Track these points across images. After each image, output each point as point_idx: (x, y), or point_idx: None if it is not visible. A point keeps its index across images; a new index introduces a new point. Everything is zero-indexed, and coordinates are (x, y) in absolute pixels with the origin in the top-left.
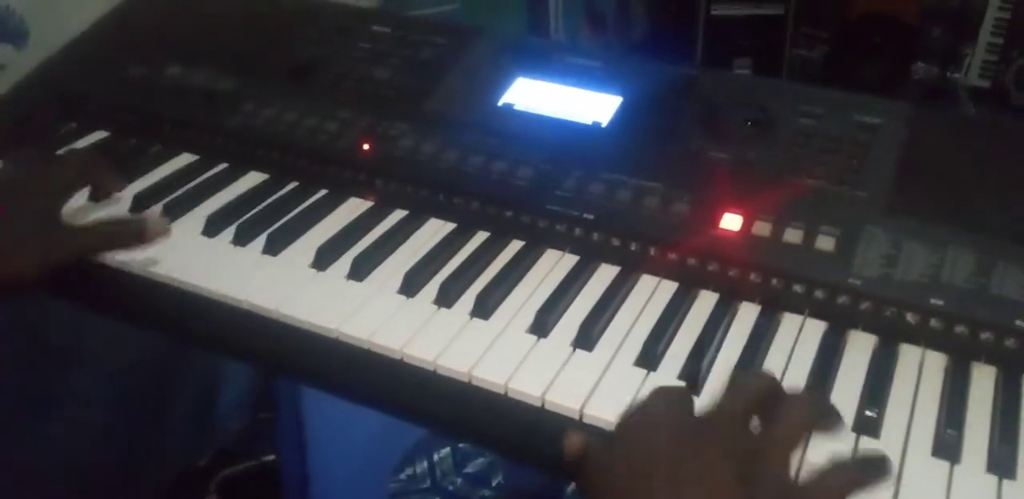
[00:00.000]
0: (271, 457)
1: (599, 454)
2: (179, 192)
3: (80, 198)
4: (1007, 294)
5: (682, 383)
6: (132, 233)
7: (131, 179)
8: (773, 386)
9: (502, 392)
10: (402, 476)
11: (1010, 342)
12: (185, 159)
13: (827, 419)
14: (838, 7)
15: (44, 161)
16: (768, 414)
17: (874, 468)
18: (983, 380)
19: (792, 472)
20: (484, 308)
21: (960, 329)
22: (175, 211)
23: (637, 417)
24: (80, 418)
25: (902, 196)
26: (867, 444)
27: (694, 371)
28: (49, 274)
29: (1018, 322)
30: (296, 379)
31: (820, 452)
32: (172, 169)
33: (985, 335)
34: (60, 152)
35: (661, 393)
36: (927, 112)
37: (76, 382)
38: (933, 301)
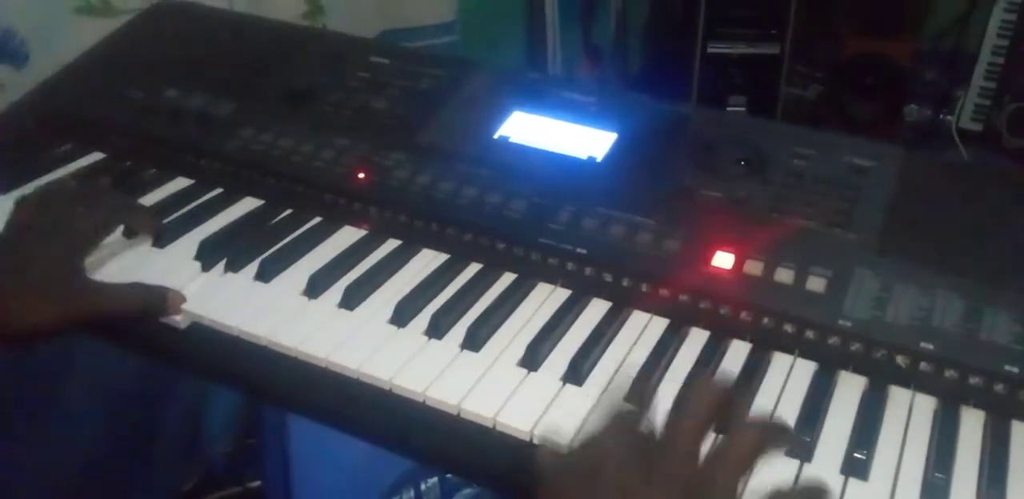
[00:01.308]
0: (256, 483)
1: (553, 481)
2: (173, 216)
3: None
4: (996, 339)
5: None
6: (155, 304)
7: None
8: (723, 401)
9: (490, 425)
10: None
11: (999, 387)
12: (180, 183)
13: (776, 443)
14: (833, 48)
15: (75, 198)
16: (723, 426)
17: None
18: (972, 424)
19: None
20: (475, 340)
21: (950, 373)
22: (168, 235)
23: (589, 447)
24: (65, 442)
25: (892, 239)
26: (856, 487)
27: (685, 408)
28: (62, 330)
29: (1007, 367)
30: (284, 407)
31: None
32: (167, 193)
33: (974, 380)
34: (90, 190)
35: (616, 417)
36: (918, 156)
37: (62, 406)
38: (923, 345)
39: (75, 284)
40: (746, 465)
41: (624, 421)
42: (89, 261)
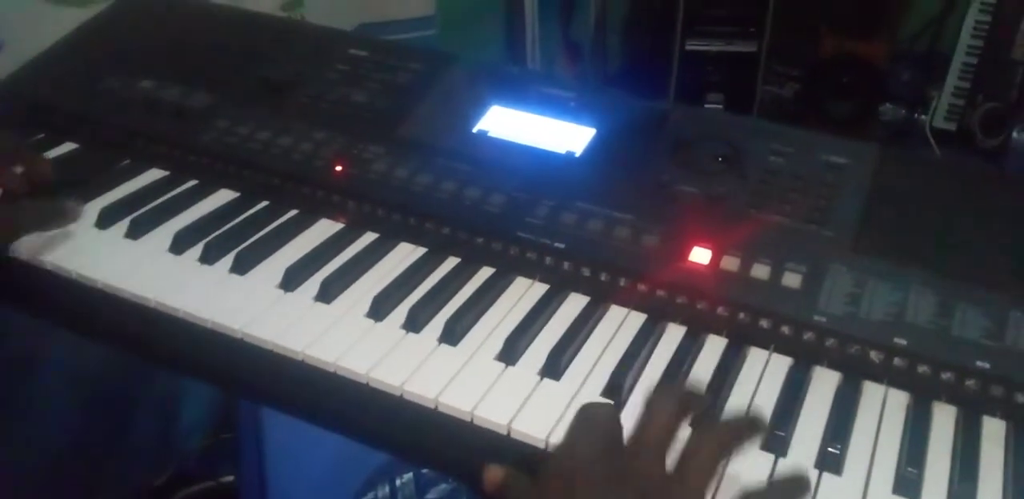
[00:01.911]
0: (230, 478)
1: (520, 491)
2: (147, 208)
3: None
4: (968, 335)
5: None
6: (50, 214)
7: (99, 193)
8: (689, 404)
9: (468, 419)
10: None
11: (970, 382)
12: (154, 174)
13: (748, 437)
14: (810, 47)
15: None
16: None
17: (790, 491)
18: (944, 419)
19: None
20: (453, 334)
21: (923, 369)
22: (142, 226)
23: (560, 459)
24: (37, 436)
25: (867, 236)
26: (830, 481)
27: None
28: None
29: (979, 363)
30: (259, 401)
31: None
32: (140, 184)
33: (946, 375)
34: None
35: (588, 425)
36: (893, 153)
37: (34, 399)
38: (896, 340)
39: None
40: (713, 464)
41: (598, 431)
42: (57, 249)
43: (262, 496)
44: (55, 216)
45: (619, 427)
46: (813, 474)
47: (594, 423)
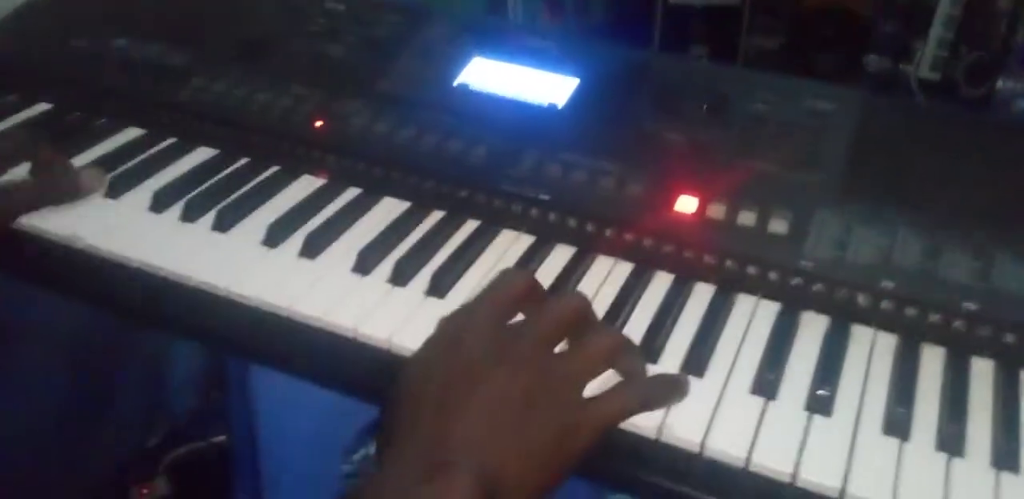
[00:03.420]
0: (222, 438)
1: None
2: (125, 166)
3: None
4: (955, 277)
5: None
6: (66, 187)
7: (75, 153)
8: (585, 309)
9: None
10: (355, 457)
11: (958, 324)
12: (132, 133)
13: (629, 357)
14: None
15: None
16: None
17: (665, 388)
18: (932, 361)
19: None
20: (440, 287)
21: (910, 311)
22: (121, 186)
23: (454, 320)
24: (25, 397)
25: (853, 181)
26: (820, 422)
27: (651, 350)
28: None
29: (965, 304)
30: (247, 358)
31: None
32: (118, 143)
33: (934, 317)
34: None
35: (498, 286)
36: (878, 100)
37: (20, 360)
38: (883, 283)
39: None
40: (598, 363)
41: (509, 285)
42: (40, 213)
43: (253, 455)
44: (64, 192)
45: (527, 295)
46: (803, 416)
47: (506, 285)
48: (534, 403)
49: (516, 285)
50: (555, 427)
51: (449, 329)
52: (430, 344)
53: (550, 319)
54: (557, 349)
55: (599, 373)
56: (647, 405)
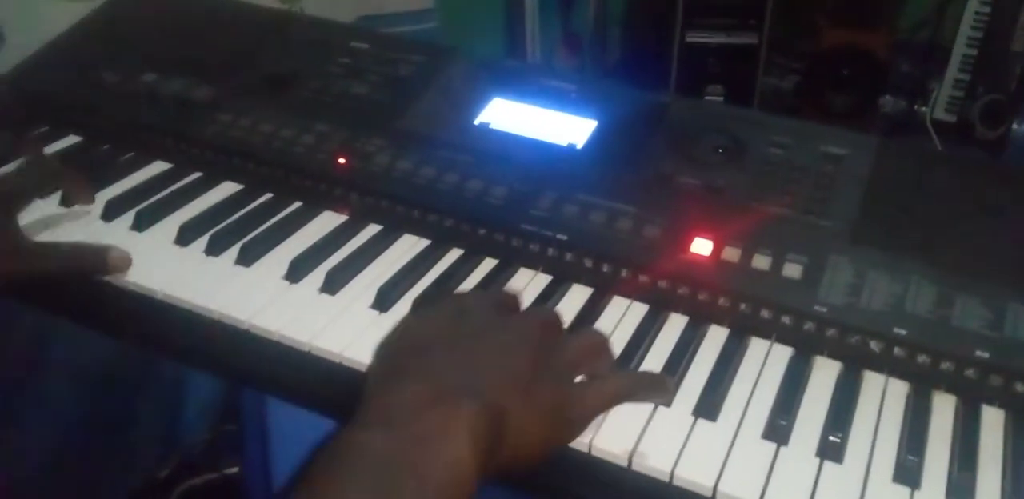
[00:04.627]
0: (235, 469)
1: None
2: (152, 200)
3: (52, 203)
4: (967, 325)
5: (651, 405)
6: (93, 263)
7: (103, 185)
8: (601, 343)
9: None
10: None
11: (970, 372)
12: (158, 167)
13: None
14: (810, 39)
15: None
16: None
17: (651, 383)
18: (944, 408)
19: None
20: None
21: (922, 358)
22: (147, 219)
23: (455, 299)
24: (41, 427)
25: (867, 226)
26: (831, 469)
27: None
28: None
29: (977, 353)
30: (265, 392)
31: None
32: (145, 176)
33: (946, 365)
34: (26, 158)
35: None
36: (892, 145)
37: (38, 390)
38: (896, 330)
39: (7, 242)
40: (591, 355)
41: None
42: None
43: (267, 487)
44: (91, 266)
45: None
46: (815, 462)
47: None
48: (539, 368)
49: (508, 294)
50: (556, 394)
51: (453, 303)
52: (434, 310)
53: (548, 311)
54: None
55: (587, 367)
56: (637, 396)
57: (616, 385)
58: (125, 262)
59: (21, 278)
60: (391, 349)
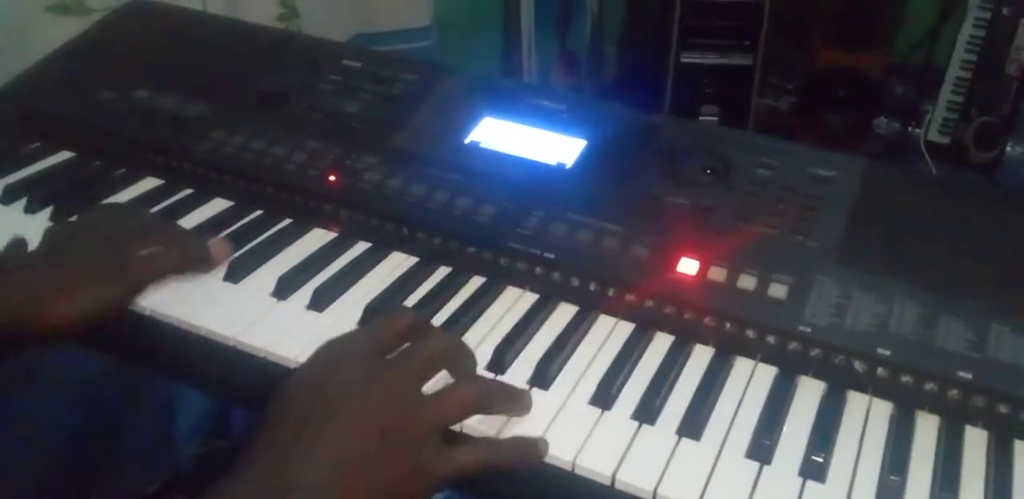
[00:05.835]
0: None
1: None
2: None
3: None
4: (951, 347)
5: (636, 424)
6: (198, 258)
7: (94, 202)
8: (456, 349)
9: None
10: None
11: (953, 393)
12: (150, 183)
13: (498, 403)
14: (805, 60)
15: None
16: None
17: (505, 394)
18: (927, 428)
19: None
20: None
21: (906, 379)
22: None
23: (334, 345)
24: (32, 441)
25: (853, 247)
26: (813, 488)
27: (648, 411)
28: (116, 308)
29: (960, 374)
30: (253, 408)
31: None
32: (136, 193)
33: (929, 385)
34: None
35: (382, 320)
36: (880, 167)
37: (29, 404)
38: (880, 351)
39: (117, 260)
40: (464, 409)
41: (390, 322)
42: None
43: None
44: (197, 262)
45: (410, 331)
46: (797, 482)
47: (390, 320)
48: (391, 439)
49: (399, 321)
50: (406, 467)
51: (327, 354)
52: (308, 365)
53: (422, 355)
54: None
55: (461, 419)
56: (500, 462)
57: (478, 455)
58: (226, 249)
59: (137, 292)
60: (268, 408)
